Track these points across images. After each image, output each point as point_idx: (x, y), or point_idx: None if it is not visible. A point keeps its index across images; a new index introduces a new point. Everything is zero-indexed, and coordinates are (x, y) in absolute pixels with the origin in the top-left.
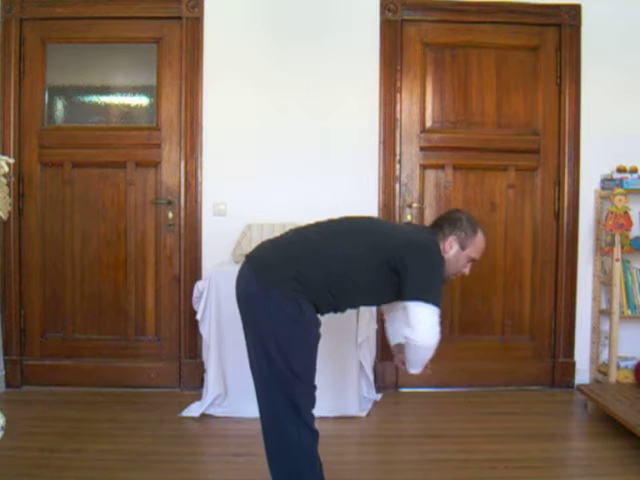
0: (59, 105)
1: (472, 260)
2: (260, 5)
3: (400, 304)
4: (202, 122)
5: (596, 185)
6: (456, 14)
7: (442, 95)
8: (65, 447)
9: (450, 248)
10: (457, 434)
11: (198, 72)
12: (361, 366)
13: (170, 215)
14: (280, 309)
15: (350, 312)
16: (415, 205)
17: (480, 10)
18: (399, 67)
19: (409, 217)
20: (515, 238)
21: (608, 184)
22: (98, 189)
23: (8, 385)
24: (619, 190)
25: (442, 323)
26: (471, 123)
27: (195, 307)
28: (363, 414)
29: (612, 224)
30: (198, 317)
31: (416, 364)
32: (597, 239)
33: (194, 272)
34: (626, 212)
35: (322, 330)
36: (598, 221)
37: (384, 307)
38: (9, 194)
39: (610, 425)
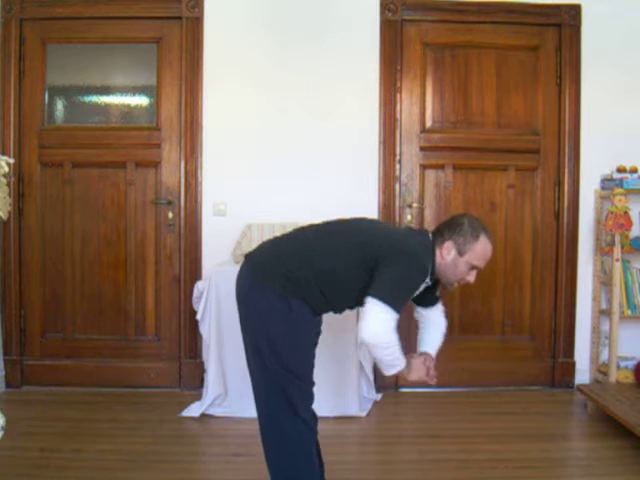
0: (59, 105)
1: (474, 268)
2: (260, 5)
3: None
4: (202, 122)
5: (596, 185)
6: (456, 14)
7: (442, 95)
8: (65, 447)
9: (447, 254)
10: (457, 434)
11: (198, 72)
12: (361, 366)
13: (170, 215)
14: (271, 307)
15: (350, 312)
16: (415, 205)
17: (480, 10)
18: (399, 67)
19: (409, 217)
20: (515, 238)
21: (608, 184)
22: (98, 189)
23: (8, 385)
24: (619, 190)
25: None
26: (471, 123)
27: (195, 307)
28: (363, 414)
29: (612, 224)
30: (198, 317)
31: (379, 363)
32: (597, 239)
33: (194, 272)
34: (626, 212)
35: (323, 329)
36: (598, 221)
37: (416, 316)
38: (9, 194)
39: (610, 425)
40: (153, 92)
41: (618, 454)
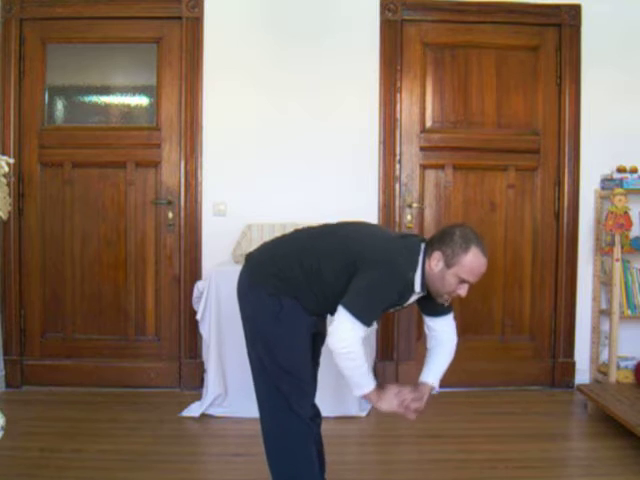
0: (59, 105)
1: (464, 281)
2: (260, 5)
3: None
4: (202, 122)
5: (596, 185)
6: (456, 14)
7: (442, 95)
8: (65, 447)
9: (435, 265)
10: (457, 434)
11: (198, 72)
12: None
13: (170, 215)
14: (263, 306)
15: None
16: (415, 205)
17: (480, 10)
18: (399, 67)
19: (409, 217)
20: (515, 238)
21: (608, 184)
22: (98, 189)
23: (8, 385)
24: (619, 190)
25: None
26: (471, 123)
27: (195, 307)
28: (363, 414)
29: (612, 224)
30: (198, 317)
31: (346, 380)
32: (597, 239)
33: (194, 272)
34: (626, 212)
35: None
36: (598, 221)
37: (425, 330)
38: (9, 194)
39: (610, 425)
40: (153, 92)
41: (618, 454)
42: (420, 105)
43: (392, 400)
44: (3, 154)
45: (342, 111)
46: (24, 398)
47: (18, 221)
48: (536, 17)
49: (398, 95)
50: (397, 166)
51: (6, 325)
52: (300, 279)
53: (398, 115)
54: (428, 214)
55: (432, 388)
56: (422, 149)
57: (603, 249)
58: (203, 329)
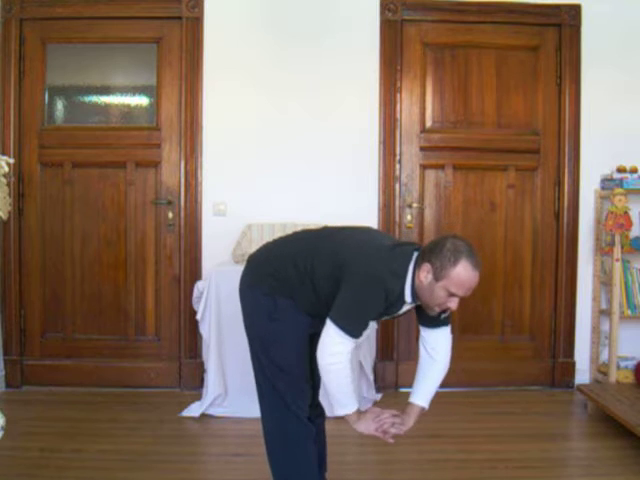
0: (59, 105)
1: (453, 295)
2: (260, 5)
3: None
4: (202, 122)
5: (596, 185)
6: (456, 14)
7: (442, 95)
8: (65, 447)
9: (424, 277)
10: (457, 434)
11: (198, 72)
12: (361, 366)
13: (170, 215)
14: (259, 304)
15: None
16: (415, 205)
17: (480, 10)
18: (399, 67)
19: (409, 217)
20: (515, 238)
21: (608, 184)
22: (98, 189)
23: (8, 385)
24: (619, 190)
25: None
26: (471, 123)
27: (195, 307)
28: None
29: (612, 224)
30: (198, 317)
31: (332, 397)
32: (597, 239)
33: (194, 272)
34: (626, 212)
35: None
36: (598, 221)
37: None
38: (9, 194)
39: (610, 425)
40: (153, 92)
41: (618, 454)
42: (420, 105)
43: (370, 424)
44: (3, 154)
45: (342, 111)
46: (24, 398)
47: (18, 221)
48: (536, 17)
49: (398, 95)
50: (397, 166)
51: (6, 325)
52: (294, 280)
53: (398, 115)
54: (428, 214)
55: (422, 409)
56: (422, 149)
57: (603, 249)
58: (203, 329)
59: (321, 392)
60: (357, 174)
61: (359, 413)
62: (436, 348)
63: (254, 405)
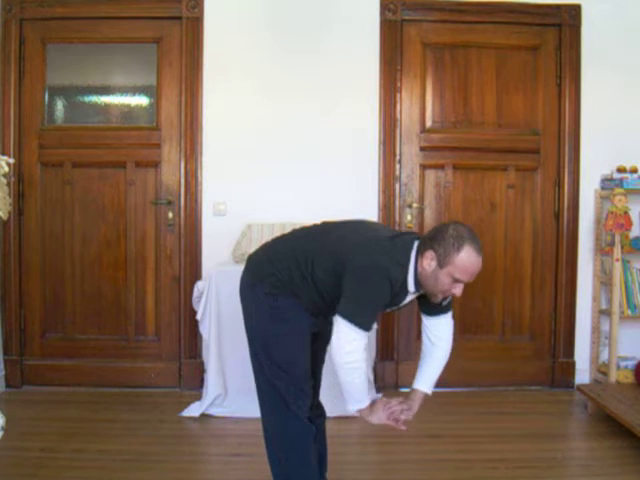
0: (59, 105)
1: (458, 281)
2: (260, 5)
3: None
4: (202, 122)
5: (596, 185)
6: (456, 14)
7: (442, 95)
8: (65, 447)
9: (428, 264)
10: (457, 434)
11: (198, 72)
12: None
13: (170, 215)
14: (260, 304)
15: None
16: (415, 205)
17: (480, 10)
18: (399, 67)
19: (409, 217)
20: (515, 238)
21: (608, 184)
22: (98, 189)
23: (8, 385)
24: (619, 190)
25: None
26: (471, 123)
27: (195, 307)
28: None
29: (612, 224)
30: (198, 317)
31: (346, 393)
32: (597, 239)
33: (194, 272)
34: (626, 212)
35: None
36: (598, 221)
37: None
38: (9, 194)
39: (610, 425)
40: (153, 92)
41: (618, 454)
42: (420, 105)
43: (381, 414)
44: (3, 154)
45: (342, 111)
46: (24, 398)
47: (18, 221)
48: (536, 17)
49: (398, 95)
50: (397, 166)
51: (6, 325)
52: (296, 278)
53: (398, 115)
54: (428, 214)
55: (425, 395)
56: (422, 149)
57: (603, 249)
58: (203, 329)
59: (322, 392)
60: (357, 174)
61: (370, 406)
62: (438, 335)
63: (254, 405)
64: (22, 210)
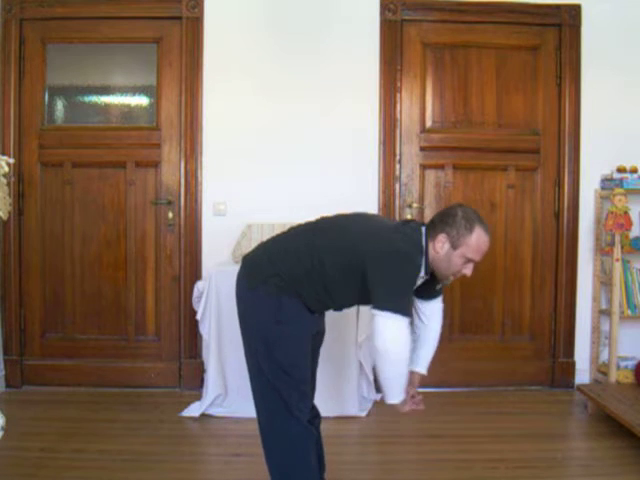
0: (59, 105)
1: (470, 261)
2: (260, 5)
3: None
4: (202, 122)
5: (596, 185)
6: (456, 14)
7: (442, 95)
8: (65, 447)
9: (441, 247)
10: (457, 434)
11: (198, 72)
12: (361, 366)
13: (170, 215)
14: (262, 305)
15: (350, 312)
16: (415, 205)
17: (480, 10)
18: (399, 67)
19: (409, 217)
20: (515, 238)
21: (608, 184)
22: (98, 189)
23: (8, 385)
24: (619, 190)
25: (442, 324)
26: (471, 123)
27: (195, 307)
28: (363, 414)
29: (612, 224)
30: (198, 317)
31: (389, 388)
32: (597, 239)
33: (194, 272)
34: (626, 212)
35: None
36: (598, 221)
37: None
38: (9, 194)
39: (610, 425)
40: (153, 92)
41: (618, 454)
42: (420, 105)
43: (407, 400)
44: (3, 154)
45: (342, 111)
46: (24, 398)
47: (18, 221)
48: (536, 17)
49: (398, 95)
50: (397, 166)
51: (6, 325)
52: (301, 277)
53: (398, 115)
54: (428, 214)
55: (422, 375)
56: (422, 149)
57: (603, 249)
58: (203, 329)
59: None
60: (357, 174)
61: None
62: (431, 317)
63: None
64: (22, 210)
